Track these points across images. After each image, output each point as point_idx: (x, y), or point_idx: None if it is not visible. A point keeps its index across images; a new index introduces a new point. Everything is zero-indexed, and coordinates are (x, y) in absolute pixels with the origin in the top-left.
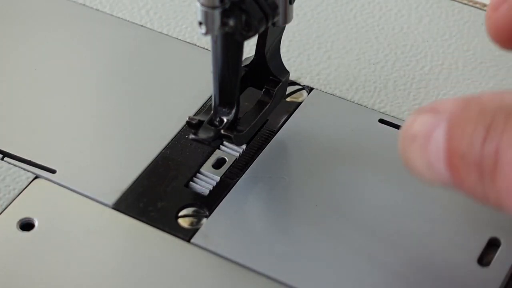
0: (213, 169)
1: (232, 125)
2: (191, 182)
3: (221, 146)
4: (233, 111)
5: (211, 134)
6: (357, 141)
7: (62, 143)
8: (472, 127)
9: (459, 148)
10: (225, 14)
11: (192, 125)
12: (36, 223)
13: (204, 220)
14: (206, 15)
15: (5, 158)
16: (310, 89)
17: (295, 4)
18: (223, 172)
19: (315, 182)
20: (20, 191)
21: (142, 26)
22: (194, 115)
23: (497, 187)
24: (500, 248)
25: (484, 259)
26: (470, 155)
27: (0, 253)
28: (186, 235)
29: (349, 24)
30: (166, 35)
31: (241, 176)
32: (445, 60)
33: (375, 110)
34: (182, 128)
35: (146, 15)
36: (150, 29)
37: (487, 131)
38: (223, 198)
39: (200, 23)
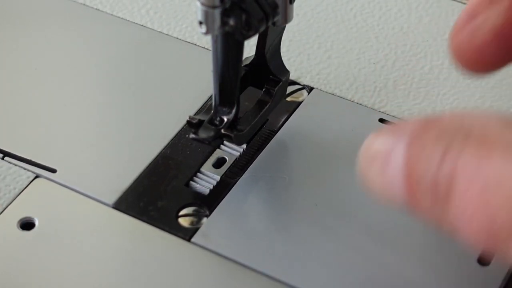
0: (213, 169)
1: (232, 125)
2: (191, 182)
3: (221, 145)
4: (233, 110)
5: (211, 133)
6: (357, 141)
7: (62, 143)
8: (430, 150)
9: (416, 172)
10: (225, 14)
11: (192, 125)
12: (37, 223)
13: (204, 220)
14: (206, 15)
15: (6, 158)
16: (310, 89)
17: (295, 4)
18: (224, 171)
19: (315, 182)
20: (21, 190)
21: (142, 26)
22: (195, 114)
23: (451, 213)
24: None
25: (484, 259)
26: (426, 180)
27: (0, 253)
28: (186, 234)
29: (349, 24)
30: (166, 35)
31: (241, 176)
32: (445, 60)
33: (375, 110)
34: (182, 127)
35: (146, 15)
36: (150, 29)
37: (443, 154)
38: (223, 197)
39: (200, 23)
